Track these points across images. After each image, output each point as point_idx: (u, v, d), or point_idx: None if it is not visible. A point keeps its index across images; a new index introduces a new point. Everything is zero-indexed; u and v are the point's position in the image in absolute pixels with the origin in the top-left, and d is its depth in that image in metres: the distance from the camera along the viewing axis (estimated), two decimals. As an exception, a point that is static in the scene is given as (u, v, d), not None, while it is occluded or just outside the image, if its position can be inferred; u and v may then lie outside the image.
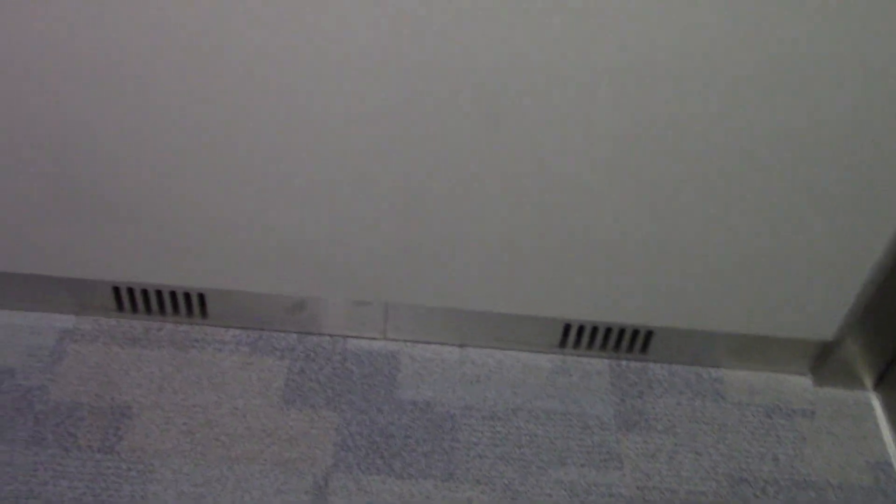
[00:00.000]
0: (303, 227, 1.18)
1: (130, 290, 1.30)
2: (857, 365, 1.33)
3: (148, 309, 1.33)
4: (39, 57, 1.00)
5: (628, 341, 1.33)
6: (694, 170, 1.08)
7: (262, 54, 0.99)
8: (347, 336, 1.35)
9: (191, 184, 1.14)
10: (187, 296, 1.30)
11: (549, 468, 1.23)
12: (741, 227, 1.15)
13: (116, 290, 1.30)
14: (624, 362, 1.36)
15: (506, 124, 1.04)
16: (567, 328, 1.31)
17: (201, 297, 1.30)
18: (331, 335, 1.34)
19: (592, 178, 1.10)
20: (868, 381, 1.36)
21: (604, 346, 1.34)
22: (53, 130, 1.08)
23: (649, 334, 1.32)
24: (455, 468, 1.22)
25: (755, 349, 1.34)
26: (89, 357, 1.30)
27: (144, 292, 1.30)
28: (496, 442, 1.25)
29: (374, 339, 1.35)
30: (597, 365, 1.36)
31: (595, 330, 1.32)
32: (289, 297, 1.29)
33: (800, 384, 1.37)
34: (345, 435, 1.24)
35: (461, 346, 1.36)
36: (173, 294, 1.30)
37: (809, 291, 1.23)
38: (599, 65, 0.98)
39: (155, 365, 1.30)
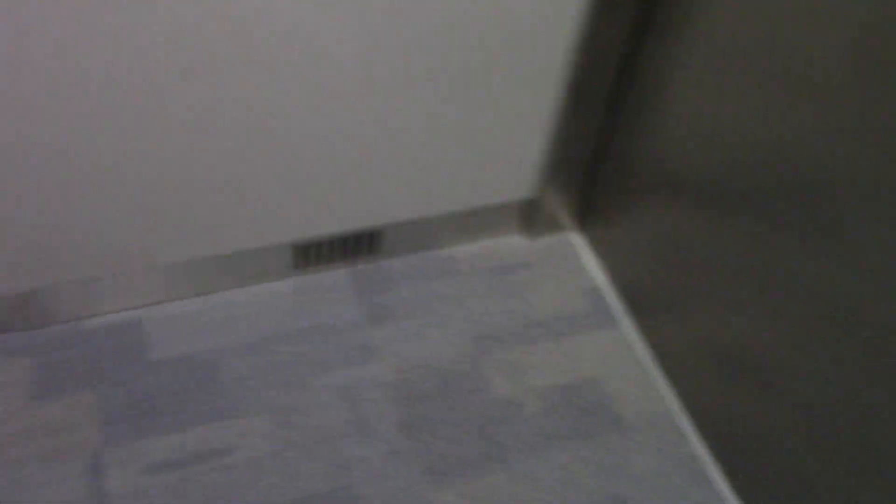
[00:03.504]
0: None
1: None
2: (560, 214, 1.51)
3: None
4: None
5: (359, 245, 1.43)
6: (366, 68, 1.17)
7: None
8: (85, 317, 1.33)
9: None
10: None
11: (314, 379, 1.31)
12: (419, 115, 1.26)
13: None
14: (361, 266, 1.46)
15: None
16: (297, 249, 1.38)
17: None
18: (67, 321, 1.33)
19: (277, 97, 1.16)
20: (573, 226, 1.54)
21: (337, 256, 1.43)
22: None
23: (377, 234, 1.42)
24: (225, 407, 1.27)
25: (473, 222, 1.48)
26: None
27: None
28: (258, 372, 1.31)
29: (113, 312, 1.34)
30: (335, 276, 1.44)
31: (322, 245, 1.39)
32: (13, 295, 1.25)
33: (516, 242, 1.54)
34: (106, 410, 1.25)
35: (200, 294, 1.39)
36: None
37: (504, 156, 1.37)
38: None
39: None
